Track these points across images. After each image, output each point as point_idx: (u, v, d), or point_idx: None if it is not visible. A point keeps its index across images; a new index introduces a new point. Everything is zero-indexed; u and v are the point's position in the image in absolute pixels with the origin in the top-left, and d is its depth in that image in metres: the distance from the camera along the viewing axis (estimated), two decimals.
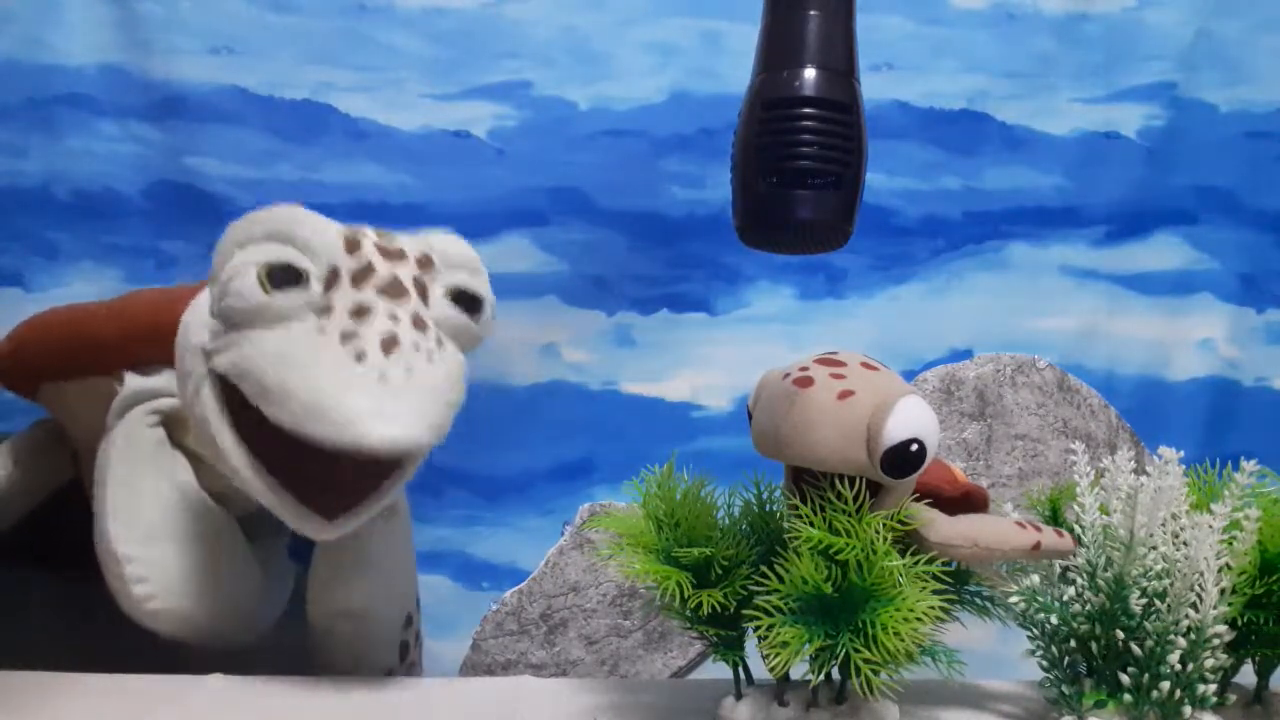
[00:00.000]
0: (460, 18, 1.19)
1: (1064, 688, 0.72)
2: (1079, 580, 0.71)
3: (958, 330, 1.26)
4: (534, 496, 1.22)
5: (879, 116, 1.22)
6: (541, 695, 0.80)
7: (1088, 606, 0.70)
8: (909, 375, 1.25)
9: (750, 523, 0.74)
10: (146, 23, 1.15)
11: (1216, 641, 0.67)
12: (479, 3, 1.19)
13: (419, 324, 0.70)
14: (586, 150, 1.21)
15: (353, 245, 0.71)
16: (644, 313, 1.23)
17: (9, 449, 0.97)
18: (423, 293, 0.73)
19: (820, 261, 1.24)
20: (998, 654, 0.88)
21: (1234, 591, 0.68)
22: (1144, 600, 0.68)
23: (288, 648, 0.95)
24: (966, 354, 1.26)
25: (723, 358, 1.23)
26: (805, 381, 0.65)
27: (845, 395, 0.64)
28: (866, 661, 0.61)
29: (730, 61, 1.20)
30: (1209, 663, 0.66)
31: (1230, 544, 0.67)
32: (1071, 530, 0.71)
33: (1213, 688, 0.67)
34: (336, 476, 0.73)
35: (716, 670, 0.75)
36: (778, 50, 0.66)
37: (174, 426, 0.86)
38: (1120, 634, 0.68)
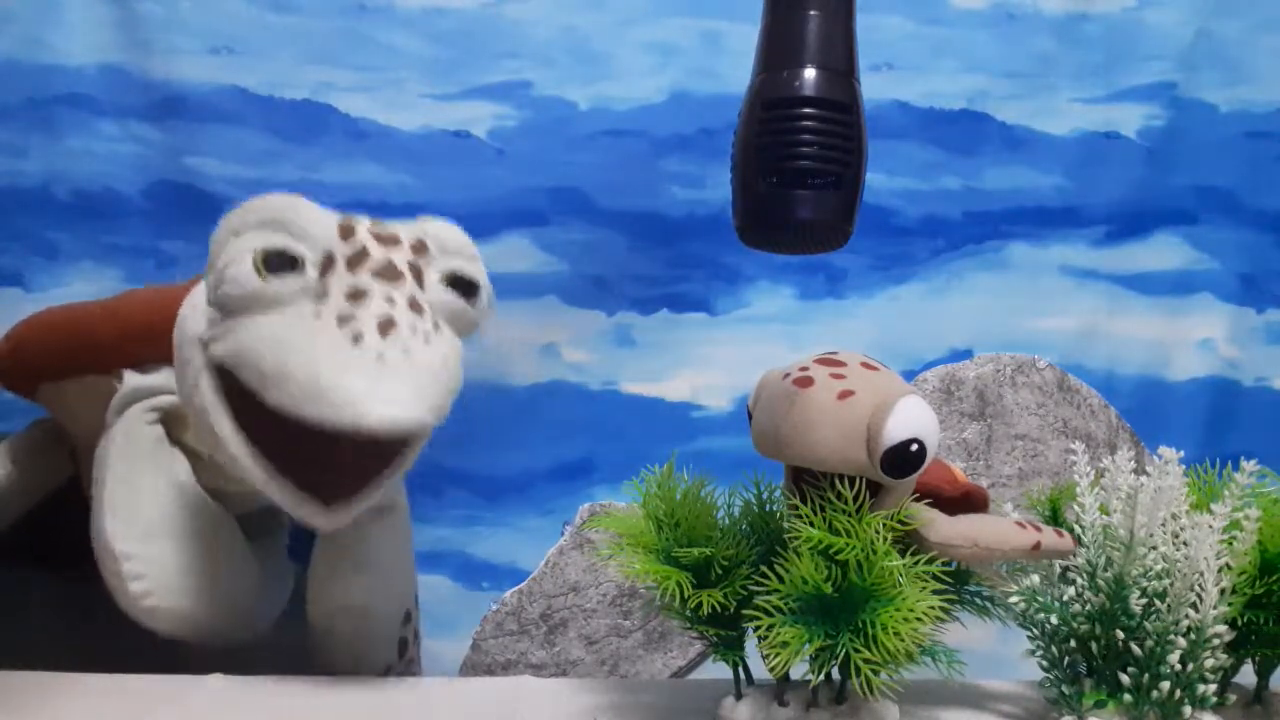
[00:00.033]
0: (460, 18, 1.19)
1: (1064, 688, 0.72)
2: (1079, 580, 0.71)
3: (958, 330, 1.26)
4: (534, 496, 1.22)
5: (879, 116, 1.22)
6: (541, 695, 0.80)
7: (1088, 606, 0.70)
8: (909, 375, 1.25)
9: (750, 523, 0.74)
10: (146, 23, 1.15)
11: (1216, 641, 0.67)
12: (479, 3, 1.19)
13: (415, 307, 0.70)
14: (586, 150, 1.21)
15: (347, 231, 0.72)
16: (644, 313, 1.23)
17: (7, 449, 0.97)
18: (418, 277, 0.73)
19: (820, 261, 1.24)
20: (998, 654, 0.88)
21: (1234, 591, 0.68)
22: (1144, 600, 0.68)
23: (288, 648, 0.95)
24: (966, 354, 1.26)
25: (723, 358, 1.23)
26: (805, 381, 0.65)
27: (845, 395, 0.64)
28: (866, 661, 0.61)
29: (730, 61, 1.20)
30: (1209, 663, 0.66)
31: (1230, 544, 0.67)
32: (1071, 530, 0.71)
33: (1213, 688, 0.67)
34: (336, 463, 0.73)
35: (716, 670, 0.75)
36: (778, 50, 0.66)
37: (173, 424, 0.86)
38: (1120, 634, 0.68)
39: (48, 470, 0.98)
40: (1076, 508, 0.73)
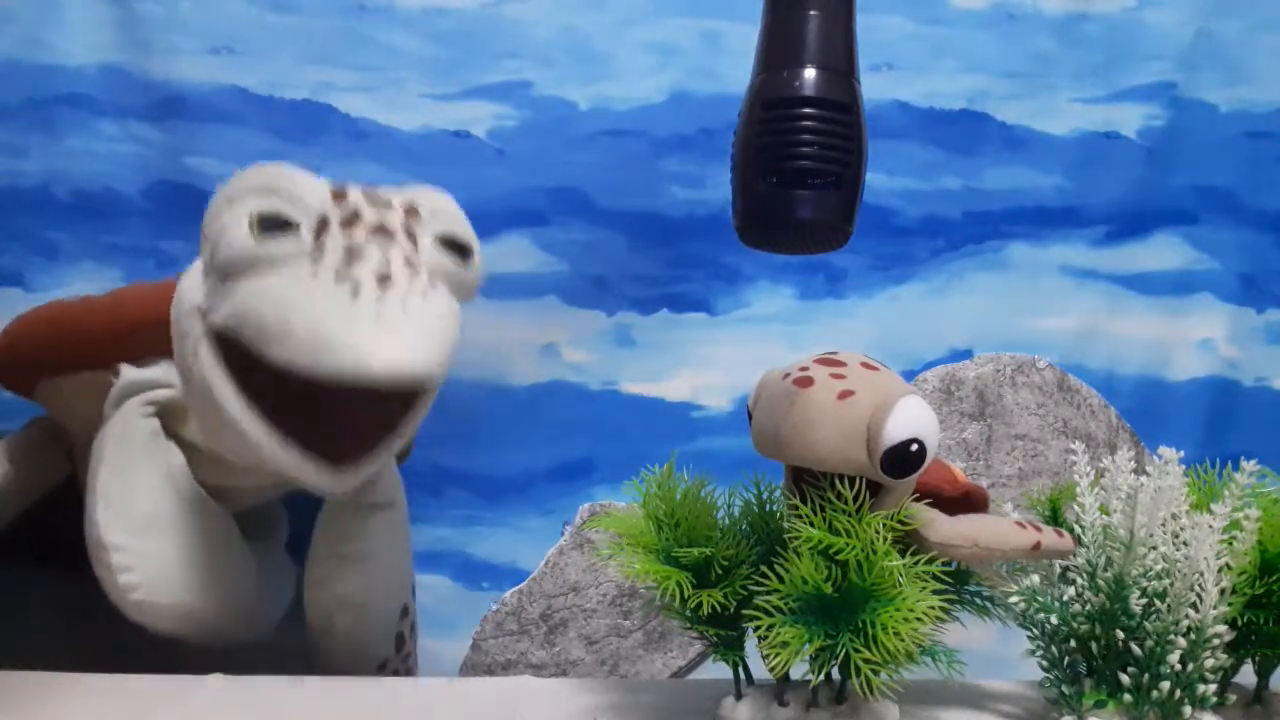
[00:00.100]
0: (460, 18, 1.19)
1: (1064, 688, 0.72)
2: (1079, 580, 0.71)
3: (958, 330, 1.26)
4: (534, 496, 1.22)
5: (879, 116, 1.22)
6: (541, 695, 0.79)
7: (1088, 606, 0.70)
8: (909, 375, 1.25)
9: (750, 523, 0.74)
10: (146, 23, 1.15)
11: (1216, 641, 0.67)
12: (479, 3, 1.19)
13: (411, 265, 0.70)
14: (586, 150, 1.21)
15: (340, 196, 0.71)
16: (644, 313, 1.23)
17: (4, 448, 0.97)
18: (412, 238, 0.72)
19: (820, 261, 1.24)
20: (998, 654, 0.88)
21: (1234, 591, 0.68)
22: (1144, 600, 0.68)
23: (288, 648, 0.95)
24: (966, 354, 1.26)
25: (723, 358, 1.23)
26: (805, 381, 0.65)
27: (845, 395, 0.64)
28: (866, 661, 0.61)
29: (730, 61, 1.20)
30: (1209, 663, 0.66)
31: (1230, 544, 0.67)
32: (1071, 530, 0.71)
33: (1213, 688, 0.67)
34: (342, 423, 0.72)
35: (716, 670, 0.75)
36: (778, 50, 0.66)
37: (170, 417, 0.85)
38: (1120, 634, 0.68)
39: (45, 469, 0.98)
40: (1076, 508, 0.73)
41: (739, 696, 0.72)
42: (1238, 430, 1.26)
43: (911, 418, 0.63)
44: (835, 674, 0.67)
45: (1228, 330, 1.27)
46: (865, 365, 0.67)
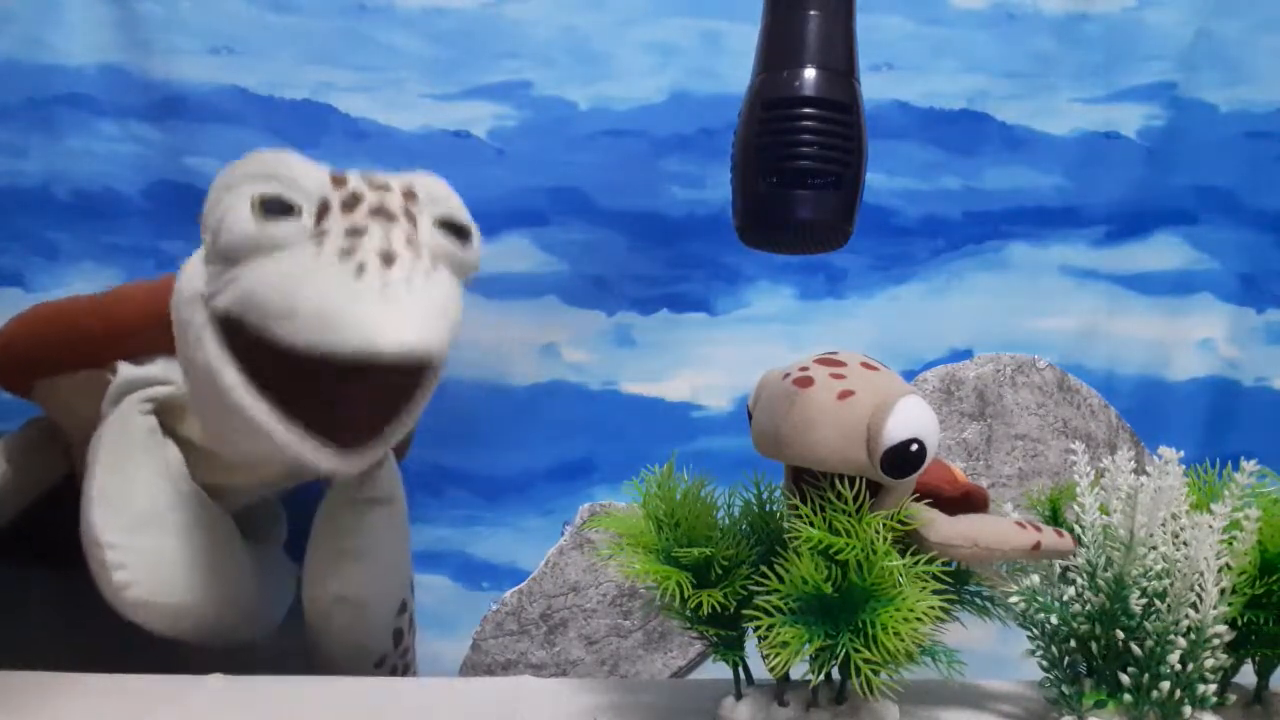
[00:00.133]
0: (460, 18, 1.19)
1: (1064, 688, 0.72)
2: (1079, 580, 0.71)
3: (958, 330, 1.26)
4: (534, 496, 1.22)
5: (879, 116, 1.22)
6: (541, 695, 0.79)
7: (1088, 606, 0.70)
8: (909, 375, 1.25)
9: (750, 523, 0.74)
10: (146, 23, 1.15)
11: (1216, 641, 0.67)
12: (479, 3, 1.19)
13: (412, 245, 0.70)
14: (586, 150, 1.21)
15: (339, 181, 0.72)
16: (644, 313, 1.23)
17: (1, 448, 0.97)
18: (411, 220, 0.72)
19: (820, 261, 1.24)
20: (998, 654, 0.88)
21: (1234, 591, 0.68)
22: (1144, 600, 0.68)
23: (288, 648, 0.95)
24: (966, 354, 1.26)
25: (723, 358, 1.23)
26: (805, 381, 0.65)
27: (845, 395, 0.64)
28: (866, 661, 0.61)
29: (730, 61, 1.20)
30: (1209, 663, 0.66)
31: (1230, 544, 0.67)
32: (1071, 530, 0.71)
33: (1213, 688, 0.67)
34: (348, 405, 0.72)
35: (716, 670, 0.75)
36: (778, 50, 0.67)
37: (168, 415, 0.85)
38: (1120, 634, 0.68)
39: (43, 469, 0.98)
40: (1076, 508, 0.73)
41: (739, 696, 0.72)
42: (1238, 430, 1.26)
43: (911, 418, 0.63)
44: (835, 674, 0.67)
45: (1228, 330, 1.27)
46: (865, 365, 0.67)
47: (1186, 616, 0.67)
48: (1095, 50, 1.25)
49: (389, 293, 0.66)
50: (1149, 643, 0.67)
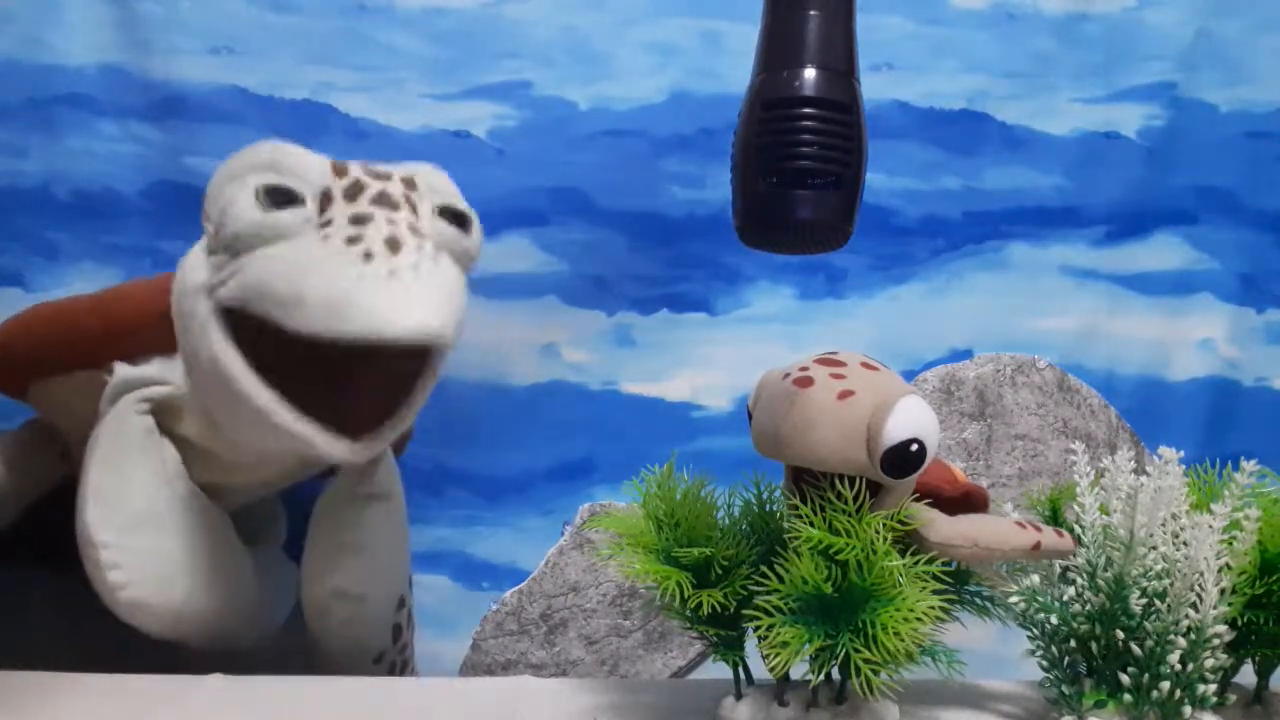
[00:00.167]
0: (460, 18, 1.19)
1: (1064, 688, 0.72)
2: (1079, 580, 0.71)
3: (958, 330, 1.26)
4: (534, 496, 1.22)
5: (879, 116, 1.22)
6: (541, 695, 0.79)
7: (1088, 606, 0.70)
8: (909, 375, 1.25)
9: (750, 523, 0.74)
10: (146, 23, 1.15)
11: (1216, 641, 0.67)
12: (479, 3, 1.19)
13: (416, 232, 0.70)
14: (586, 150, 1.21)
15: (340, 170, 0.72)
16: (644, 313, 1.23)
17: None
18: (413, 208, 0.72)
19: (820, 261, 1.24)
20: (998, 654, 0.88)
21: (1234, 591, 0.68)
22: (1144, 600, 0.68)
23: (288, 648, 0.95)
24: (966, 354, 1.26)
25: (723, 358, 1.23)
26: (805, 381, 0.65)
27: (845, 395, 0.64)
28: (866, 661, 0.61)
29: (730, 61, 1.20)
30: (1209, 663, 0.66)
31: (1230, 544, 0.67)
32: (1071, 530, 0.71)
33: (1213, 688, 0.67)
34: (357, 392, 0.72)
35: (716, 670, 0.75)
36: (778, 50, 0.67)
37: (165, 414, 0.85)
38: (1120, 634, 0.68)
39: (41, 470, 0.98)
40: (1076, 508, 0.73)
41: (739, 696, 0.72)
42: (1238, 430, 1.26)
43: (911, 418, 0.63)
44: (835, 674, 0.67)
45: (1228, 330, 1.27)
46: (865, 365, 0.67)
47: (1186, 616, 0.67)
48: (1095, 50, 1.25)
49: (397, 278, 0.66)
50: (1149, 643, 0.67)
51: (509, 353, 1.21)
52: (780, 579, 0.64)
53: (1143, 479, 0.68)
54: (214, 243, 0.71)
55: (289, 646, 0.95)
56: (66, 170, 1.15)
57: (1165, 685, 0.66)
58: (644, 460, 0.74)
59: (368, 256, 0.66)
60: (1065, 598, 0.71)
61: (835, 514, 0.64)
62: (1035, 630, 0.74)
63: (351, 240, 0.67)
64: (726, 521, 0.73)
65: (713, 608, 0.66)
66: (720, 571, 0.68)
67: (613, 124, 1.21)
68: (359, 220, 0.68)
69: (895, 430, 0.62)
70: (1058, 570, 0.74)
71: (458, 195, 0.76)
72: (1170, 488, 0.68)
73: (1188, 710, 0.66)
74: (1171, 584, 0.67)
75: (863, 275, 1.25)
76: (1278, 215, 1.27)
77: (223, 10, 1.16)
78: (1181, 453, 0.69)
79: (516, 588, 1.21)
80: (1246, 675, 0.76)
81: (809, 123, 0.64)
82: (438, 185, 0.75)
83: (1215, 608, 0.66)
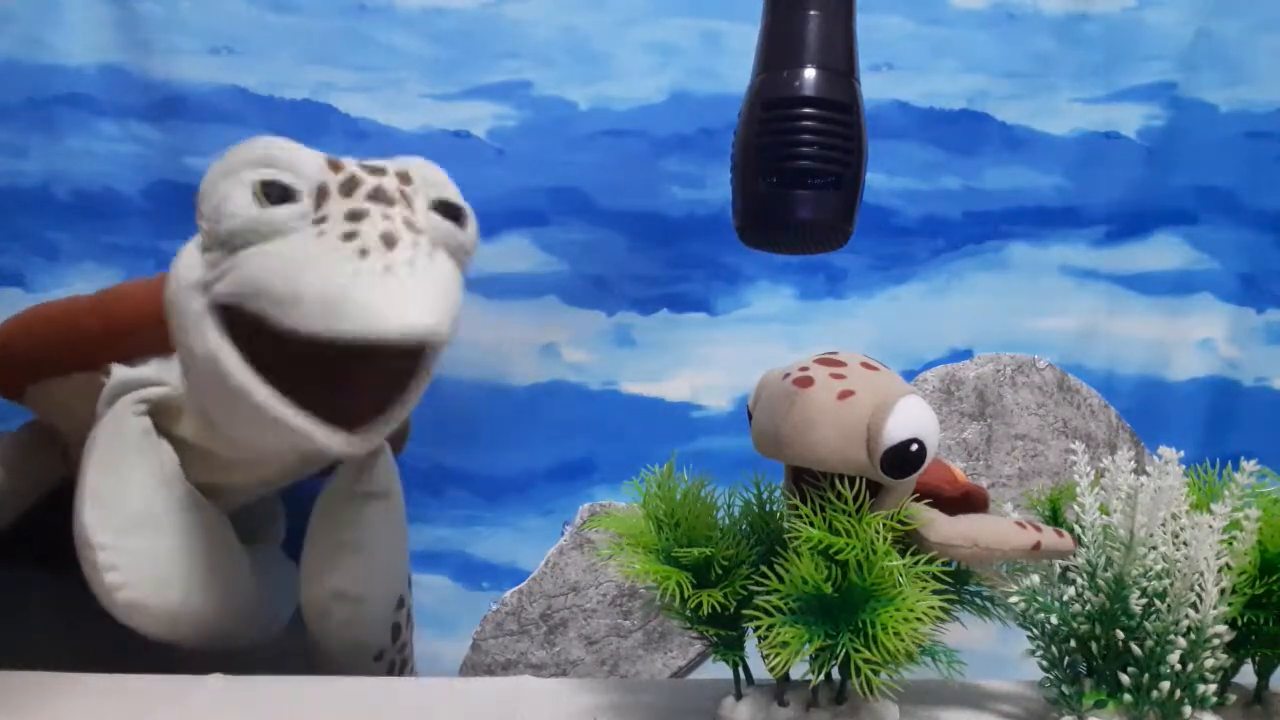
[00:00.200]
0: (460, 18, 1.19)
1: (1064, 688, 0.72)
2: (1079, 580, 0.71)
3: (958, 330, 1.26)
4: (534, 496, 1.22)
5: (879, 116, 1.22)
6: (541, 695, 0.79)
7: (1088, 606, 0.70)
8: (909, 375, 1.25)
9: (750, 523, 0.74)
10: (146, 23, 1.15)
11: (1216, 641, 0.67)
12: (479, 3, 1.19)
13: (412, 227, 0.70)
14: (586, 150, 1.21)
15: (336, 165, 0.72)
16: (644, 313, 1.23)
17: None
18: (408, 203, 0.72)
19: (820, 261, 1.24)
20: (998, 654, 0.88)
21: (1234, 591, 0.68)
22: (1144, 600, 0.68)
23: (288, 648, 0.95)
24: (966, 354, 1.26)
25: (723, 358, 1.23)
26: (805, 381, 0.65)
27: (845, 395, 0.64)
28: (866, 661, 0.61)
29: (730, 61, 1.20)
30: (1209, 663, 0.66)
31: (1230, 544, 0.67)
32: (1071, 530, 0.71)
33: (1213, 688, 0.67)
34: (353, 387, 0.72)
35: (716, 670, 0.75)
36: (778, 50, 0.67)
37: (162, 415, 0.84)
38: (1120, 634, 0.68)
39: (40, 471, 0.98)
40: (1076, 508, 0.73)
41: (739, 696, 0.72)
42: (1238, 430, 1.26)
43: (911, 418, 0.63)
44: (835, 674, 0.67)
45: (1228, 330, 1.27)
46: (865, 365, 0.67)
47: (1186, 616, 0.67)
48: (1095, 50, 1.25)
49: (392, 273, 0.66)
50: (1149, 643, 0.67)
51: (509, 353, 1.21)
52: (780, 579, 0.64)
53: (1143, 479, 0.68)
54: (209, 239, 0.71)
55: (289, 647, 0.95)
56: (66, 170, 1.15)
57: (1165, 685, 0.66)
58: (644, 460, 0.74)
59: (363, 253, 0.66)
60: (1065, 598, 0.71)
61: (835, 514, 0.64)
62: (1035, 630, 0.74)
63: (347, 236, 0.67)
64: (726, 521, 0.73)
65: (713, 608, 0.66)
66: (720, 571, 0.68)
67: (613, 124, 1.21)
68: (354, 216, 0.68)
69: (895, 430, 0.62)
70: (1058, 570, 0.74)
71: (453, 189, 0.76)
72: (1170, 488, 0.68)
73: (1188, 710, 0.66)
74: (1171, 584, 0.67)
75: (863, 275, 1.25)
76: (1278, 215, 1.27)
77: (223, 10, 1.16)
78: (1181, 453, 0.69)
79: (516, 588, 1.21)
80: (1246, 675, 0.76)
81: (809, 123, 0.64)
82: (433, 179, 0.75)
83: (1215, 608, 0.66)
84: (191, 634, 0.83)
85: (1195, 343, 1.27)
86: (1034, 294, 1.26)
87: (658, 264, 1.23)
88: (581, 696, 0.79)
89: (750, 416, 0.70)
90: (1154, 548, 0.68)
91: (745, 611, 0.65)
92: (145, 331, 0.81)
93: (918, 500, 0.68)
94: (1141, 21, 1.24)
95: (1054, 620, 0.72)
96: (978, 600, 0.74)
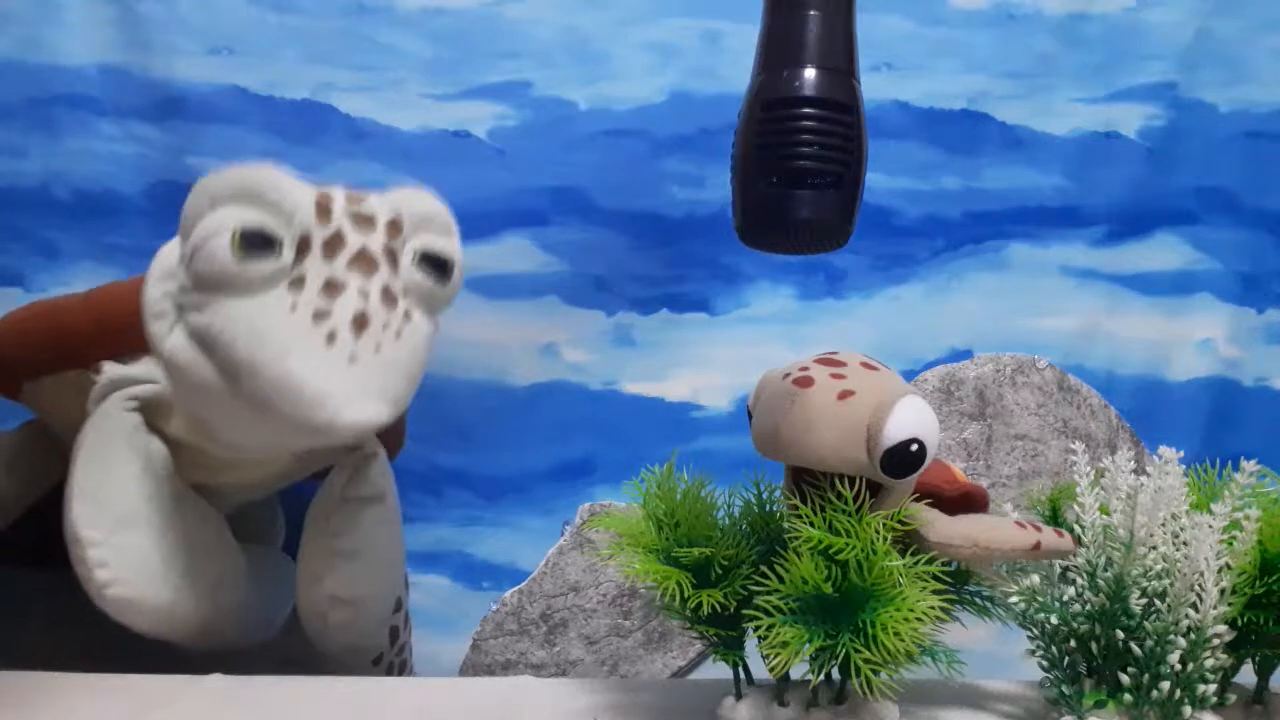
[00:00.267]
0: (460, 18, 1.19)
1: (1064, 688, 0.72)
2: (1079, 580, 0.71)
3: (958, 330, 1.26)
4: (534, 496, 1.22)
5: (879, 116, 1.22)
6: (541, 695, 0.80)
7: (1088, 606, 0.70)
8: (909, 375, 1.25)
9: (750, 523, 0.74)
10: (146, 23, 1.15)
11: (1216, 641, 0.67)
12: (479, 3, 1.19)
13: (388, 298, 0.70)
14: (586, 150, 1.21)
15: (324, 211, 0.70)
16: (644, 313, 1.23)
17: None
18: (392, 261, 0.72)
19: (820, 261, 1.24)
20: (998, 654, 0.88)
21: (1234, 591, 0.68)
22: (1144, 600, 0.68)
23: (288, 648, 0.95)
24: (966, 354, 1.26)
25: (723, 358, 1.23)
26: (805, 381, 0.65)
27: (845, 395, 0.64)
28: (866, 661, 0.61)
29: (730, 61, 1.20)
30: (1209, 663, 0.66)
31: (1230, 544, 0.67)
32: (1071, 530, 0.71)
33: (1213, 688, 0.67)
34: None
35: (716, 670, 0.75)
36: (778, 50, 0.66)
37: (153, 413, 0.84)
38: (1120, 634, 0.68)
39: (39, 471, 0.97)
40: (1076, 508, 0.73)
41: (739, 696, 0.72)
42: (1238, 430, 1.26)
43: (911, 418, 0.63)
44: (835, 674, 0.67)
45: (1228, 330, 1.27)
46: (865, 365, 0.67)
47: (1186, 616, 0.67)
48: (1095, 50, 1.25)
49: (355, 362, 0.66)
50: (1149, 643, 0.67)
51: (509, 353, 1.21)
52: (780, 579, 0.64)
53: (1143, 479, 0.68)
54: (187, 265, 0.70)
55: (289, 646, 0.95)
56: (66, 170, 1.15)
57: (1165, 685, 0.66)
58: (644, 460, 0.74)
59: (330, 338, 0.66)
60: (1065, 598, 0.71)
61: (835, 514, 0.64)
62: (1035, 630, 0.74)
63: (318, 316, 0.66)
64: (726, 521, 0.73)
65: (713, 608, 0.66)
66: (720, 571, 0.68)
67: (613, 124, 1.21)
68: (331, 287, 0.68)
69: (895, 430, 0.62)
70: (1058, 570, 0.74)
71: (446, 228, 0.75)
72: (1170, 488, 0.68)
73: (1188, 710, 0.66)
74: (1171, 584, 0.67)
75: (863, 275, 1.25)
76: (1278, 215, 1.27)
77: (223, 10, 1.16)
78: (1181, 453, 0.69)
79: (516, 588, 1.21)
80: (1246, 675, 0.76)
81: (809, 123, 0.64)
82: (425, 218, 0.74)
83: (1215, 608, 0.66)
84: (184, 630, 0.82)
85: (1195, 343, 1.27)
86: (1034, 294, 1.26)
87: (657, 264, 1.23)
88: (581, 696, 0.79)
89: (750, 416, 0.70)
90: (1154, 548, 0.68)
91: (745, 611, 0.65)
92: (136, 330, 0.81)
93: (917, 500, 0.68)
94: (1141, 21, 1.24)
95: (1054, 620, 0.72)
96: (978, 600, 0.74)
